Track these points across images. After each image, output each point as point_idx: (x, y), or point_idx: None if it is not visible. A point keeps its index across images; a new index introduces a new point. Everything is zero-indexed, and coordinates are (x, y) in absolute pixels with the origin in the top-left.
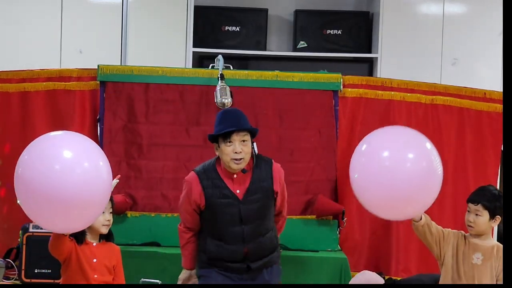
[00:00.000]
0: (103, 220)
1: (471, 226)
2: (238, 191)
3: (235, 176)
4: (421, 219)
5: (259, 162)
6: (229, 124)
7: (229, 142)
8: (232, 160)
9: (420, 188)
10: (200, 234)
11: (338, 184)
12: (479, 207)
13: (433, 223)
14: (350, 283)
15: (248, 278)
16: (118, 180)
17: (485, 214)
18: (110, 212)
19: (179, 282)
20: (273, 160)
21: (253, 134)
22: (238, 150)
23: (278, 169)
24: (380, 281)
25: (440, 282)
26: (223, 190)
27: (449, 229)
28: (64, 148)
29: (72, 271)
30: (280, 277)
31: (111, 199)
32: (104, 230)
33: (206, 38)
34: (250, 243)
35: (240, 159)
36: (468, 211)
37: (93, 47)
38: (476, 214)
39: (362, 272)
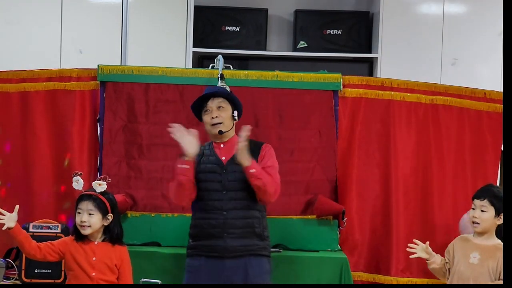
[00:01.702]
0: (78, 221)
1: (477, 223)
2: (223, 158)
3: (222, 145)
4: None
5: (250, 143)
6: (204, 94)
7: (207, 110)
8: (212, 126)
9: None
10: (192, 215)
11: (338, 184)
12: (485, 202)
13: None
14: None
15: (228, 265)
16: (18, 206)
17: (491, 210)
18: (90, 214)
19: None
20: (265, 143)
21: (232, 102)
22: (214, 115)
23: (265, 146)
24: None
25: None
26: (210, 156)
27: (449, 248)
28: None
29: (71, 268)
30: (268, 275)
31: (94, 199)
32: (84, 231)
33: (206, 38)
34: (229, 213)
35: (219, 123)
36: (473, 208)
37: (93, 47)
38: (482, 210)
39: None
